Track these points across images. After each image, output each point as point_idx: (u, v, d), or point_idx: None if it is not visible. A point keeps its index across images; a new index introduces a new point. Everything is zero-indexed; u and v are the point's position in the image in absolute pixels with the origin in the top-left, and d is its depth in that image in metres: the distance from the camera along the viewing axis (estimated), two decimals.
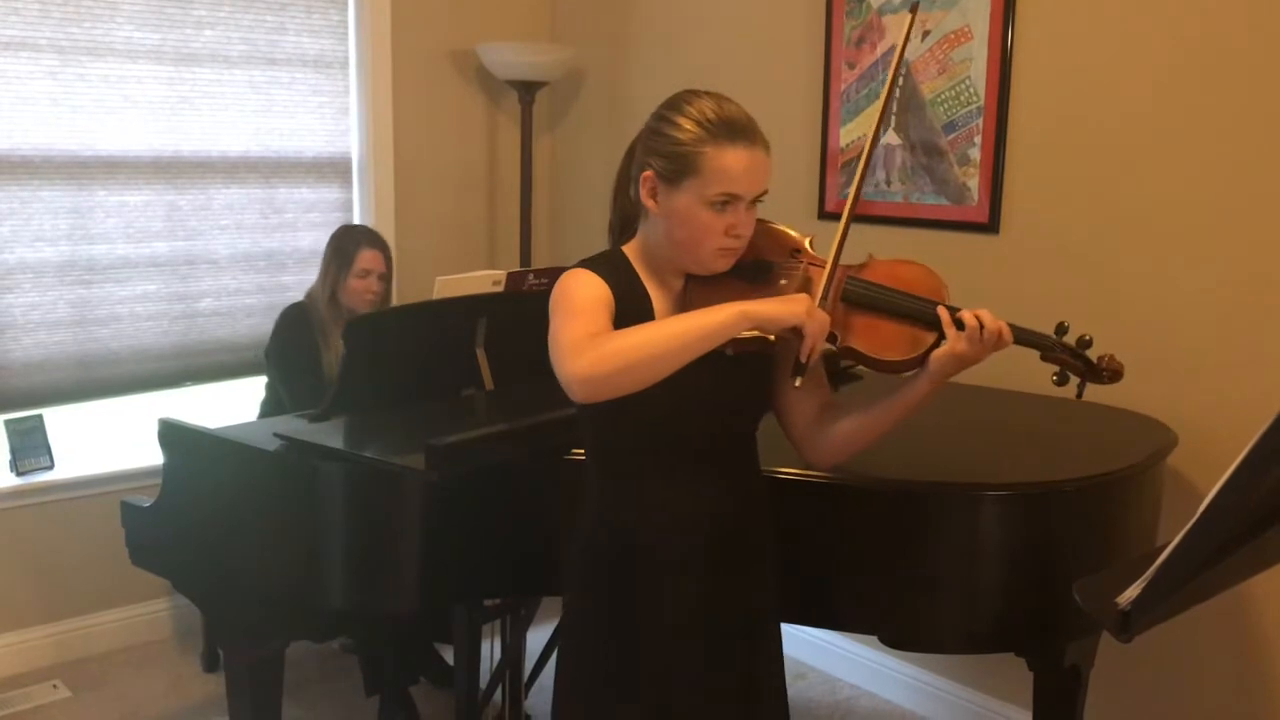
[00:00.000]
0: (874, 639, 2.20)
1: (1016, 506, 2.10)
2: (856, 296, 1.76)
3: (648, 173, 1.70)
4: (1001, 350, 1.72)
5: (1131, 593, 1.21)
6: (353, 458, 2.22)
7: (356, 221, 3.99)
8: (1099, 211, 2.81)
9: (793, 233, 1.85)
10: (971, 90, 3.02)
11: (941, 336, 1.71)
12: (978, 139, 3.02)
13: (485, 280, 2.87)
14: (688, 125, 1.67)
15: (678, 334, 1.55)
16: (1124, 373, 1.77)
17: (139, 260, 3.57)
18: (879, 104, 1.78)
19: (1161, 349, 2.71)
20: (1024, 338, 1.76)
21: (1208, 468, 2.57)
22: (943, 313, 1.70)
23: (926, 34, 3.11)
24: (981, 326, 1.68)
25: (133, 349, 3.59)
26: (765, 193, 1.70)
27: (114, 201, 3.50)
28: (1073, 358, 1.77)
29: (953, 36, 3.05)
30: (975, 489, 2.09)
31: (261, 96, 3.74)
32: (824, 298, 1.70)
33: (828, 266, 1.74)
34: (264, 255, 3.81)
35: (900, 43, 1.85)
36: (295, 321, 3.32)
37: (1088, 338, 1.78)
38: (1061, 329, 1.77)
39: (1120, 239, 2.78)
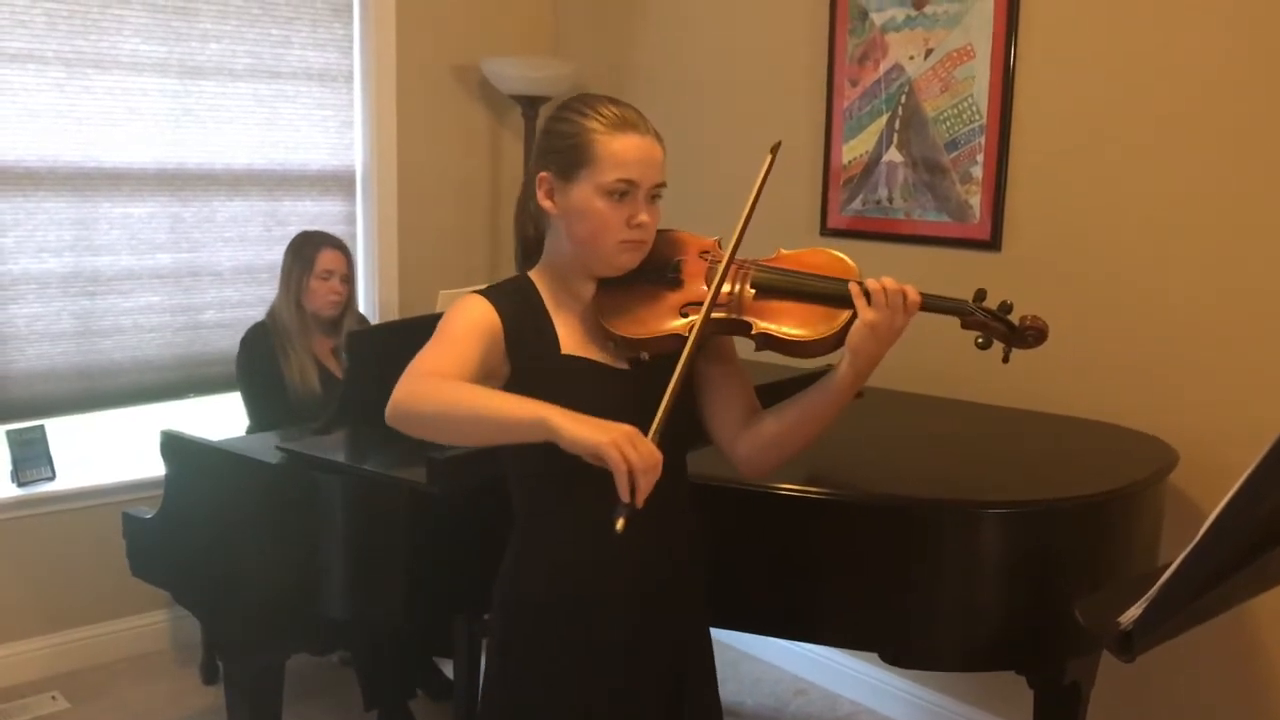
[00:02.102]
0: (874, 655, 2.20)
1: (1017, 524, 2.10)
2: (766, 283, 1.69)
3: (543, 174, 1.66)
4: (914, 316, 1.65)
5: (1133, 613, 1.21)
6: (354, 471, 2.22)
7: (360, 235, 4.00)
8: (1101, 229, 2.82)
9: (701, 238, 1.79)
10: (974, 108, 3.03)
11: (855, 314, 1.64)
12: (980, 157, 3.03)
13: None
14: (576, 119, 1.65)
15: (476, 411, 1.49)
16: (1048, 333, 1.69)
17: (142, 272, 3.58)
18: (741, 219, 1.68)
19: (1163, 366, 2.71)
20: (937, 304, 1.68)
21: (1209, 487, 2.57)
22: (853, 286, 1.63)
23: (930, 52, 3.13)
24: (886, 291, 1.61)
25: (135, 360, 3.60)
26: (663, 185, 1.67)
27: (118, 213, 3.51)
28: (994, 320, 1.69)
29: (955, 55, 3.07)
30: (976, 506, 2.09)
31: (266, 109, 3.75)
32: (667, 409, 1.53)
33: (720, 265, 1.65)
34: (267, 268, 3.81)
35: (757, 181, 1.70)
36: (253, 343, 3.29)
37: (1008, 303, 1.71)
38: (980, 295, 1.71)
39: (1122, 256, 2.78)
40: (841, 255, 1.75)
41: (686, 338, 1.60)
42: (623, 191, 1.63)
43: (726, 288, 1.67)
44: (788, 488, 2.09)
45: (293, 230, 3.72)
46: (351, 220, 4.02)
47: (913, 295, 1.63)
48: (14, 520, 3.40)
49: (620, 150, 1.62)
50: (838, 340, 1.66)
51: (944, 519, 2.09)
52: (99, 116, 3.43)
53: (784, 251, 1.77)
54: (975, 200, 3.06)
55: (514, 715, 1.76)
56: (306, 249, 3.33)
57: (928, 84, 3.14)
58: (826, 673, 3.52)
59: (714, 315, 1.64)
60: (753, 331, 1.66)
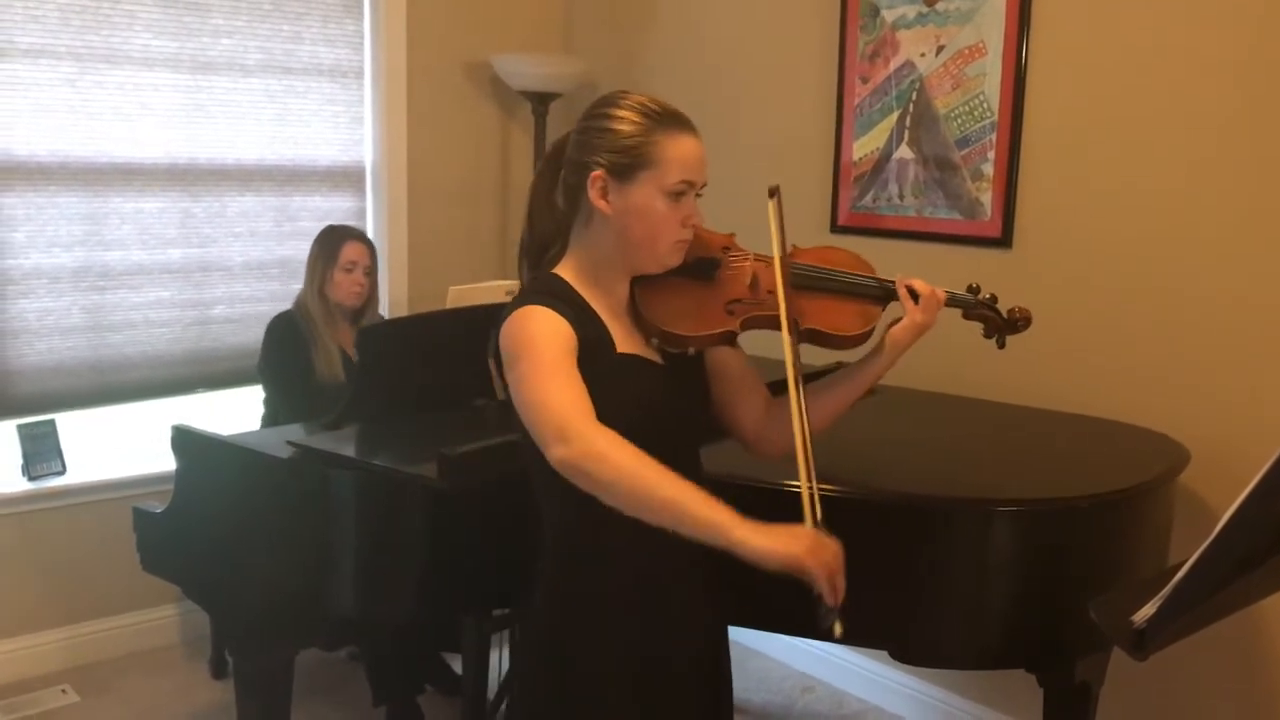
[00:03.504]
0: (882, 653, 2.20)
1: (1028, 522, 2.09)
2: (805, 280, 1.79)
3: (597, 172, 1.64)
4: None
5: (1147, 611, 1.21)
6: (364, 466, 2.23)
7: (370, 231, 4.00)
8: (1112, 226, 2.81)
9: (717, 233, 1.83)
10: (985, 105, 3.03)
11: (884, 308, 1.80)
12: (991, 154, 3.03)
13: (498, 290, 2.88)
14: (634, 117, 1.64)
15: (662, 498, 1.45)
16: (1032, 319, 1.88)
17: (153, 267, 3.59)
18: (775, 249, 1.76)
19: (1174, 365, 2.70)
20: (952, 299, 1.85)
21: (1220, 486, 2.56)
22: (902, 289, 1.77)
23: (941, 49, 3.12)
24: (933, 294, 1.76)
25: (146, 355, 3.60)
26: (706, 182, 1.70)
27: (129, 208, 3.52)
28: (990, 311, 1.89)
29: (967, 52, 3.06)
30: (987, 504, 2.09)
31: (277, 105, 3.76)
32: (791, 324, 1.69)
33: (781, 304, 1.70)
34: (277, 263, 3.82)
35: (774, 231, 1.77)
36: (283, 331, 3.32)
37: (993, 295, 1.90)
38: (973, 289, 1.88)
39: (1133, 254, 2.77)
40: (853, 252, 1.87)
41: (736, 333, 1.70)
42: (681, 192, 1.65)
43: (768, 287, 1.74)
44: (797, 485, 2.08)
45: (303, 226, 3.74)
46: (361, 216, 4.02)
47: (941, 296, 1.79)
48: (25, 514, 3.41)
49: (682, 153, 1.64)
50: (871, 335, 1.79)
51: (955, 517, 2.09)
52: (110, 111, 3.44)
53: (798, 246, 1.84)
54: (986, 197, 3.05)
55: (565, 710, 1.75)
56: (331, 241, 3.37)
57: (939, 81, 3.13)
58: (834, 670, 3.51)
59: (765, 313, 1.72)
60: (800, 328, 1.75)
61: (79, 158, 3.40)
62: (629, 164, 1.63)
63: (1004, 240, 3.02)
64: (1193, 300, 2.67)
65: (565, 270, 1.72)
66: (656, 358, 1.72)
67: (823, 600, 1.44)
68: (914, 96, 3.20)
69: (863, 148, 3.35)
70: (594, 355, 1.62)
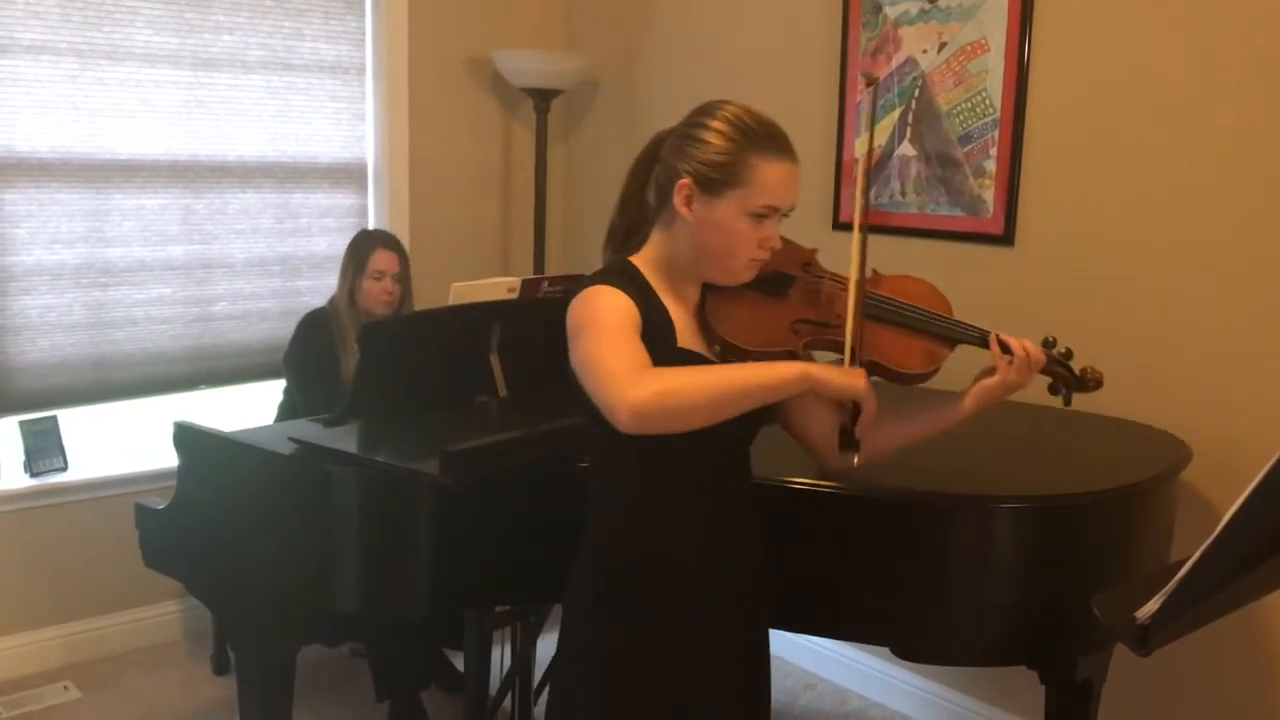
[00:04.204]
0: (884, 650, 2.20)
1: (1031, 519, 2.09)
2: (876, 311, 1.78)
3: (684, 180, 1.66)
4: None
5: (1150, 607, 1.21)
6: (367, 463, 2.23)
7: (372, 228, 4.00)
8: (1114, 224, 2.81)
9: (800, 246, 1.85)
10: (988, 102, 3.02)
11: (952, 348, 1.78)
12: (993, 151, 3.02)
13: (500, 287, 2.87)
14: (729, 133, 1.65)
15: (737, 385, 1.55)
16: (1104, 381, 1.85)
17: (155, 263, 3.59)
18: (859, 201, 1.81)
19: (1176, 363, 2.70)
20: (1049, 364, 1.82)
21: (1222, 483, 2.56)
22: (993, 342, 1.75)
23: (943, 45, 3.12)
24: (1028, 354, 1.74)
25: (148, 352, 3.61)
26: (794, 207, 1.71)
27: (130, 205, 3.52)
28: (1061, 368, 1.83)
29: (969, 48, 3.05)
30: (989, 501, 2.09)
31: (278, 102, 3.76)
32: (853, 354, 1.70)
33: (850, 306, 1.71)
34: (279, 260, 3.82)
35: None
36: (313, 327, 3.34)
37: (1069, 350, 1.85)
38: (1049, 343, 1.83)
39: (1135, 252, 2.77)
40: (935, 285, 1.85)
41: (798, 354, 1.72)
42: (764, 215, 1.66)
43: (838, 312, 1.75)
44: (801, 482, 2.09)
45: (305, 223, 3.74)
46: (363, 213, 4.02)
47: (1040, 357, 1.77)
48: (27, 511, 3.42)
49: (772, 178, 1.65)
50: (934, 374, 1.79)
51: (958, 514, 2.09)
52: (112, 108, 3.44)
53: (879, 273, 1.85)
54: (988, 194, 3.05)
55: (603, 694, 1.78)
56: (362, 248, 3.38)
57: (941, 78, 3.13)
58: (836, 667, 3.52)
59: (830, 337, 1.74)
60: (860, 357, 1.74)
61: (81, 154, 3.40)
62: (717, 179, 1.65)
63: (1006, 237, 3.02)
64: (1195, 297, 2.67)
65: (641, 260, 1.75)
66: (715, 359, 1.74)
67: (853, 432, 1.65)
68: (916, 93, 3.20)
69: (865, 145, 3.35)
70: (655, 341, 1.65)
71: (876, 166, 3.32)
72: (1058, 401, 1.84)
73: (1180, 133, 2.67)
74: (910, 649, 2.17)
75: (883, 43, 3.27)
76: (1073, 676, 2.21)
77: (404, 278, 3.41)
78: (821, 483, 2.08)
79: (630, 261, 1.74)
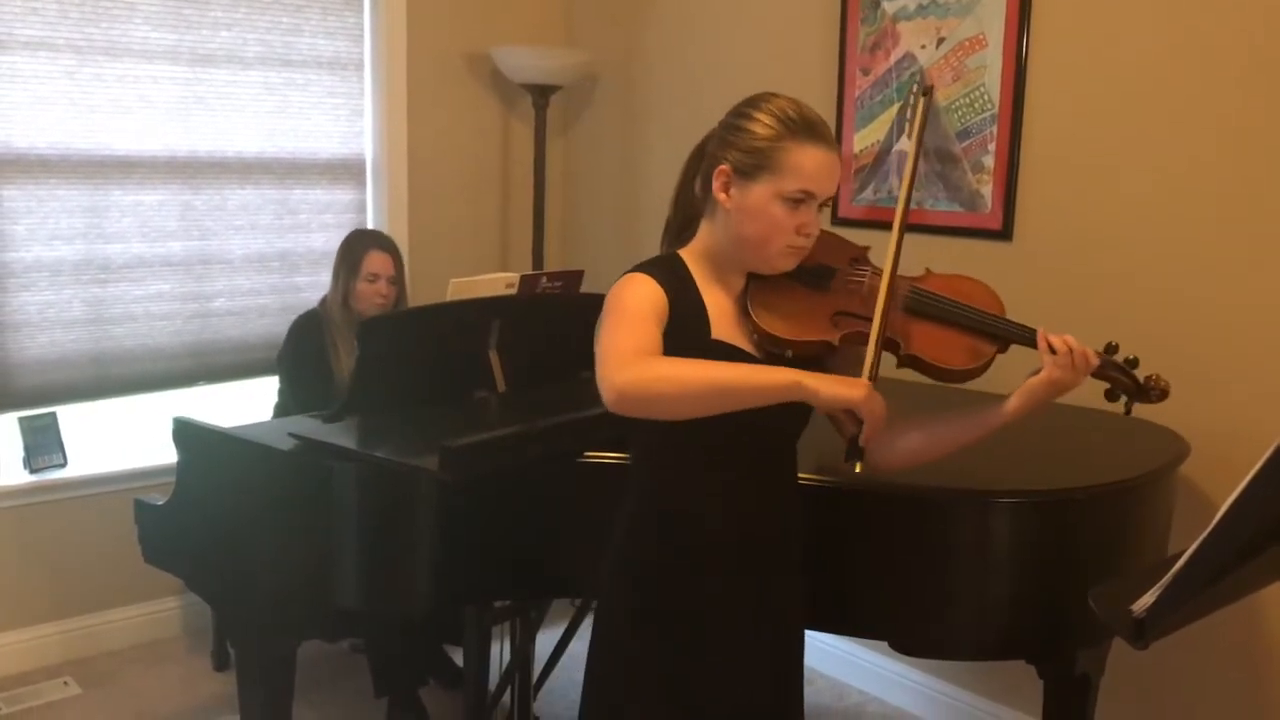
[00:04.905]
0: (882, 645, 2.20)
1: (1029, 514, 2.10)
2: (920, 306, 1.77)
3: (723, 166, 1.70)
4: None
5: (1147, 600, 1.21)
6: (366, 458, 2.23)
7: (370, 224, 4.00)
8: (1112, 219, 2.81)
9: (852, 243, 1.85)
10: (986, 97, 3.02)
11: (999, 349, 1.75)
12: (991, 146, 3.03)
13: (499, 283, 2.88)
14: (768, 121, 1.68)
15: (724, 383, 1.56)
16: (1170, 391, 1.78)
17: (153, 260, 3.59)
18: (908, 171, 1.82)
19: (1174, 357, 2.69)
20: (1103, 366, 1.76)
21: (1220, 477, 2.56)
22: (1041, 341, 1.71)
23: (941, 41, 3.12)
24: (1071, 351, 1.69)
25: (147, 348, 3.61)
26: (833, 196, 1.72)
27: (129, 201, 3.52)
28: (1122, 375, 1.78)
29: (967, 44, 3.06)
30: (988, 496, 2.09)
31: (277, 98, 3.76)
32: (877, 352, 1.67)
33: (879, 304, 1.70)
34: (278, 256, 3.83)
35: (915, 133, 1.80)
36: (306, 328, 3.32)
37: (1134, 358, 1.79)
38: (1111, 348, 1.78)
39: (1133, 247, 2.77)
40: (989, 286, 1.83)
41: (835, 345, 1.70)
42: (799, 200, 1.67)
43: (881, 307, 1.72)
44: (800, 477, 2.08)
45: (304, 219, 3.74)
46: (362, 209, 4.02)
47: (1091, 358, 1.72)
48: (26, 507, 3.42)
49: (807, 162, 1.66)
50: (981, 372, 1.75)
51: (956, 508, 2.09)
52: (110, 104, 3.44)
53: (932, 271, 1.84)
54: (987, 190, 3.05)
55: (625, 679, 1.81)
56: (355, 250, 3.34)
57: (939, 73, 3.13)
58: (834, 662, 3.52)
59: (870, 331, 1.71)
60: (901, 351, 1.74)
61: (79, 150, 3.40)
62: (754, 165, 1.67)
63: (1004, 233, 3.02)
64: (1193, 292, 2.67)
65: (689, 252, 1.78)
66: (755, 352, 1.75)
67: (857, 441, 1.61)
68: (914, 88, 3.20)
69: (863, 140, 3.35)
70: (686, 331, 1.69)
71: (875, 162, 3.32)
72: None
73: (1178, 128, 2.67)
74: (909, 643, 2.17)
75: (881, 38, 3.27)
76: (1071, 670, 2.22)
77: (399, 280, 3.38)
78: (820, 478, 2.08)
79: (677, 254, 1.79)
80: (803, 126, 1.68)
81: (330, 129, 3.90)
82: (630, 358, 1.56)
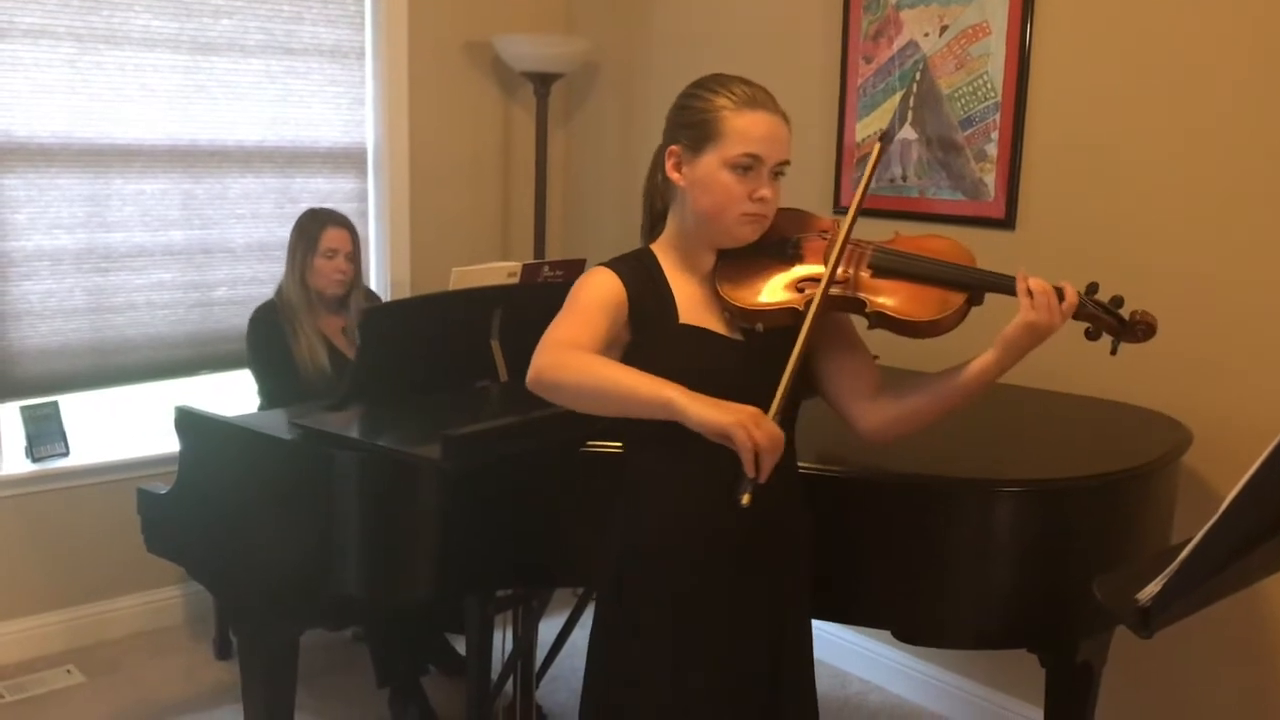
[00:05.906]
0: (884, 633, 2.20)
1: (1032, 503, 2.10)
2: (883, 264, 1.76)
3: (673, 147, 1.74)
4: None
5: (1152, 589, 1.21)
6: (368, 447, 2.23)
7: (372, 212, 4.00)
8: (1116, 208, 2.80)
9: (821, 217, 1.86)
10: (989, 85, 3.01)
11: (970, 298, 1.72)
12: (995, 134, 3.02)
13: (501, 272, 2.87)
14: (709, 95, 1.73)
15: (611, 386, 1.58)
16: (1157, 327, 1.73)
17: (155, 248, 3.58)
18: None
19: (1177, 346, 2.69)
20: (1082, 307, 1.73)
21: (1223, 466, 2.56)
22: (1020, 284, 1.68)
23: (945, 29, 3.10)
24: (1046, 292, 1.66)
25: (148, 337, 3.60)
26: (787, 163, 1.73)
27: (130, 190, 3.51)
28: (1104, 314, 1.74)
29: (971, 31, 3.04)
30: (991, 485, 2.09)
31: (278, 86, 3.75)
32: (783, 398, 1.59)
33: (837, 243, 1.69)
34: (279, 245, 3.80)
35: (868, 169, 1.78)
36: (262, 322, 3.27)
37: (1119, 297, 1.76)
38: (1093, 288, 1.75)
39: (1137, 235, 2.77)
40: (958, 241, 1.81)
41: (803, 311, 1.68)
42: (747, 166, 1.70)
43: (843, 268, 1.73)
44: (801, 466, 2.08)
45: (305, 207, 3.73)
46: (363, 197, 4.02)
47: (1071, 297, 1.68)
48: (29, 496, 3.42)
49: (747, 126, 1.69)
50: (953, 322, 1.72)
51: (958, 497, 2.09)
52: (111, 92, 3.43)
53: (902, 234, 1.84)
54: (990, 178, 3.05)
55: (623, 666, 1.82)
56: (311, 227, 3.30)
57: (942, 61, 3.12)
58: (836, 650, 3.52)
59: (830, 292, 1.70)
60: (867, 309, 1.73)
61: (80, 139, 3.40)
62: (699, 137, 1.71)
63: (1007, 221, 3.02)
64: (1196, 280, 2.66)
65: (658, 244, 1.82)
66: (731, 333, 1.77)
67: (744, 471, 1.51)
68: (917, 77, 3.19)
69: (866, 128, 3.34)
70: (651, 322, 1.72)
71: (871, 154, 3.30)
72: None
73: (1181, 115, 2.66)
74: (911, 632, 2.17)
75: (884, 26, 3.26)
76: (1073, 659, 2.22)
77: (355, 256, 3.34)
78: (823, 466, 2.08)
79: (647, 248, 1.82)
80: (743, 96, 1.71)
81: (332, 117, 3.89)
82: (554, 346, 1.63)
